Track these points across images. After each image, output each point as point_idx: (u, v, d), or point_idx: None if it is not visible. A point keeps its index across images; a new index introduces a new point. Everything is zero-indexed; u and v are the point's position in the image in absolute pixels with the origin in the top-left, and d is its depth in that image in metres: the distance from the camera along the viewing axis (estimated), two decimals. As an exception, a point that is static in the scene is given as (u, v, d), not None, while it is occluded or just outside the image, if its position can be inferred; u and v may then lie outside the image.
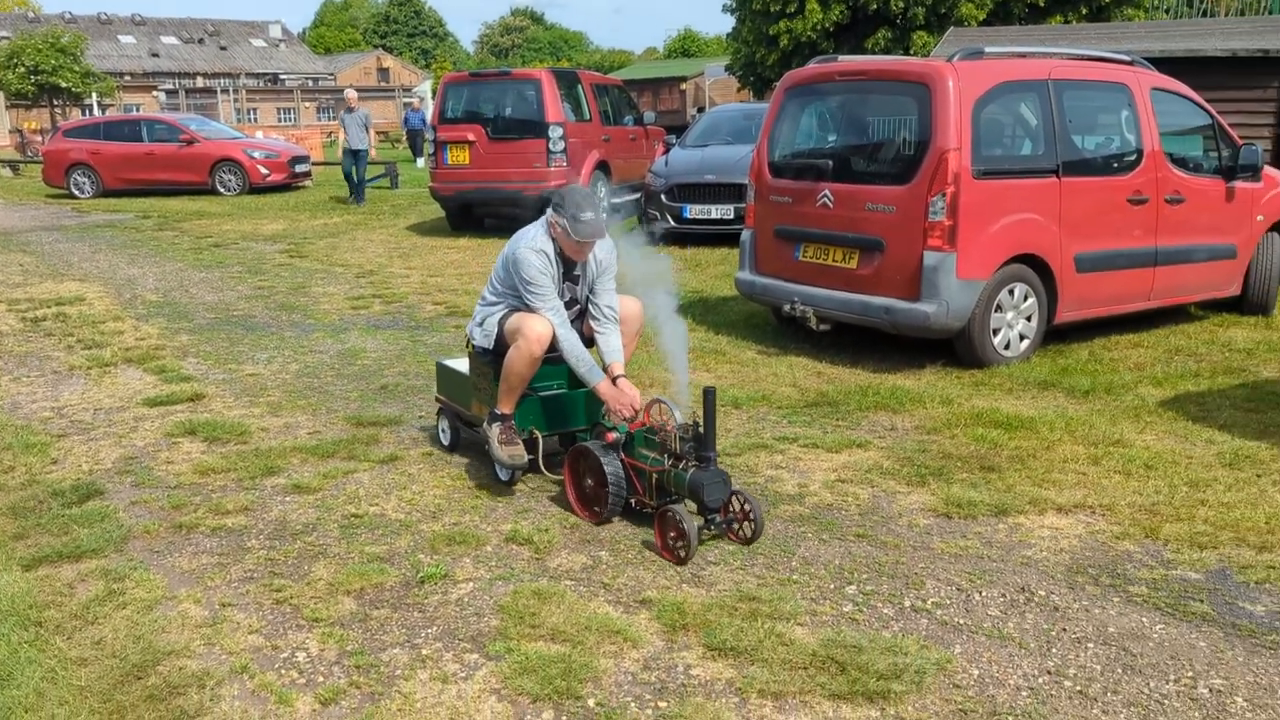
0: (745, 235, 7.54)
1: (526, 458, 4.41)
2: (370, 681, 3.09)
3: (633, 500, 4.16)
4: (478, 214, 14.01)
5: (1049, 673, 3.09)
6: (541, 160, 12.54)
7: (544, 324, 4.35)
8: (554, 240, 4.44)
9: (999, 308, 6.38)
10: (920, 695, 2.96)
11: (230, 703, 2.99)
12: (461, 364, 5.08)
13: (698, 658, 3.20)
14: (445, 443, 5.11)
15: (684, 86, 44.55)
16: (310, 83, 58.12)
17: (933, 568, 3.78)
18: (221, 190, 19.81)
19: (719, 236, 11.73)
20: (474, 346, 4.74)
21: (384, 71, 67.92)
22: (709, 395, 3.87)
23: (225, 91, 47.24)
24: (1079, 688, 3.01)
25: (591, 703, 2.97)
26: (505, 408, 4.46)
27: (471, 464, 4.90)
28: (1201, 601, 3.49)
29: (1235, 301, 7.69)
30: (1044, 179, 6.41)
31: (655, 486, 4.07)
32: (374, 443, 5.23)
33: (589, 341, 4.60)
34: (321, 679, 3.11)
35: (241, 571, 3.83)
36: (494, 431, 4.45)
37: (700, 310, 8.45)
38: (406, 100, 35.72)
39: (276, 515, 4.34)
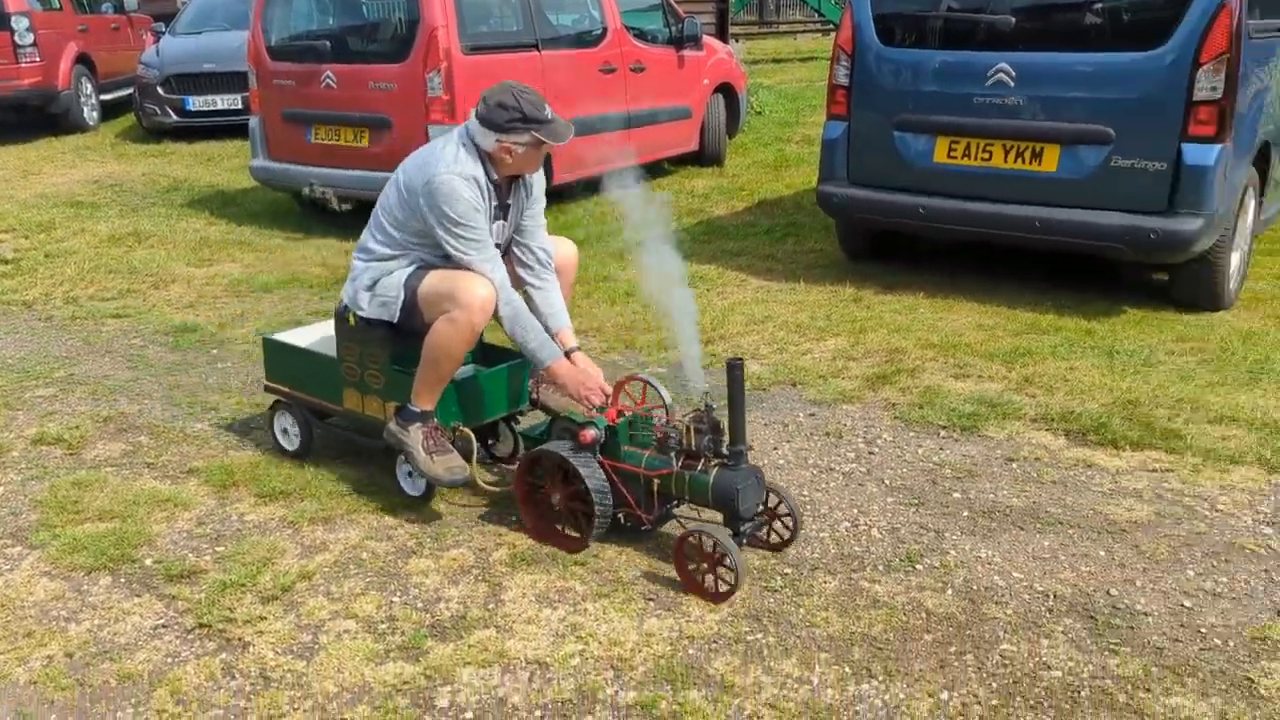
0: (253, 122, 7.49)
1: (467, 469, 3.40)
2: (-99, 596, 3.04)
3: (620, 514, 3.23)
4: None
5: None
6: (8, 55, 11.12)
7: (485, 285, 3.28)
8: (484, 163, 3.33)
9: (503, 174, 7.03)
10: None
11: None
12: (303, 337, 3.98)
13: (250, 506, 3.51)
14: (291, 448, 3.85)
15: (170, -32, 40.41)
16: None
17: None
18: None
19: (231, 128, 11.27)
20: (357, 319, 3.52)
21: None
22: (734, 370, 2.92)
23: None
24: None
25: (149, 562, 3.18)
26: (427, 403, 3.38)
27: (-21, 380, 4.64)
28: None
29: (696, 156, 9.05)
30: (527, 53, 7.09)
31: (656, 494, 3.16)
32: None
33: None
34: None
35: None
36: (416, 438, 3.36)
37: (219, 203, 8.26)
38: None
39: None
